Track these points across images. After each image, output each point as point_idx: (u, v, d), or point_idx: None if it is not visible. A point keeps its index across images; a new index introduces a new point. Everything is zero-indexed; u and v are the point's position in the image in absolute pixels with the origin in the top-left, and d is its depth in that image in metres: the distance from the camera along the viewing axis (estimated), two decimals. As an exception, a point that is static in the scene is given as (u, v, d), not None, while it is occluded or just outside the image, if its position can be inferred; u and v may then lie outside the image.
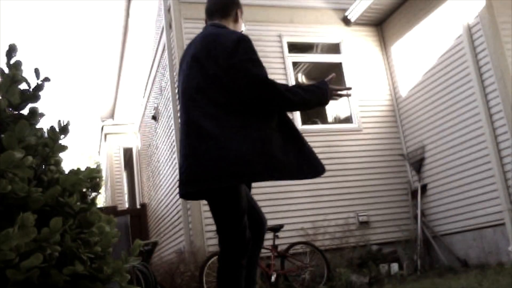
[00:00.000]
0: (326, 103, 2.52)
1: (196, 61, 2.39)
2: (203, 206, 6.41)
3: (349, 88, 2.65)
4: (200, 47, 2.42)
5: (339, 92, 2.58)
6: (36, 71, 1.64)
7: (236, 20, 2.64)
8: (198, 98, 2.33)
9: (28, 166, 1.40)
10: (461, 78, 6.46)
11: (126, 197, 13.57)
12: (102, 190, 14.04)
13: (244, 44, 2.36)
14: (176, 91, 2.59)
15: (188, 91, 2.39)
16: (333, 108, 8.84)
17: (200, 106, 2.31)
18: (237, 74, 2.29)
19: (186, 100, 2.39)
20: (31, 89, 1.62)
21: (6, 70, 1.58)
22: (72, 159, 26.64)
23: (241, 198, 2.31)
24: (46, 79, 1.65)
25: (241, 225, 2.32)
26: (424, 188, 7.18)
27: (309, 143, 2.44)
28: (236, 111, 2.29)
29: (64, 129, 1.63)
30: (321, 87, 2.49)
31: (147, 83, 9.73)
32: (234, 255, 2.31)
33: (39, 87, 1.63)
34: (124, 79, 13.70)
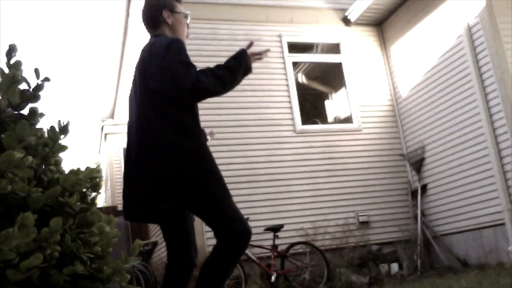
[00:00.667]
0: (250, 70, 2.40)
1: (142, 75, 2.36)
2: (203, 206, 6.40)
3: (267, 50, 2.51)
4: (142, 58, 2.40)
5: (259, 56, 2.46)
6: (36, 71, 1.64)
7: (169, 24, 2.55)
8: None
9: (28, 166, 1.40)
10: (461, 78, 6.46)
11: (126, 197, 13.55)
12: (102, 190, 14.04)
13: (174, 45, 2.29)
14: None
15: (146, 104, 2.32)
16: (333, 108, 8.84)
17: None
18: (168, 77, 2.23)
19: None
20: (31, 89, 1.62)
21: (6, 70, 1.58)
22: (72, 159, 26.63)
23: None
24: (46, 79, 1.65)
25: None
26: (424, 188, 7.18)
27: None
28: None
29: (64, 129, 1.63)
30: (243, 57, 2.36)
31: (147, 83, 9.72)
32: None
33: (39, 87, 1.63)
34: (124, 79, 13.69)
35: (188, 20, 2.62)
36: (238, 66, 2.32)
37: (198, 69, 2.26)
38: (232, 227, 2.22)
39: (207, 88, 2.20)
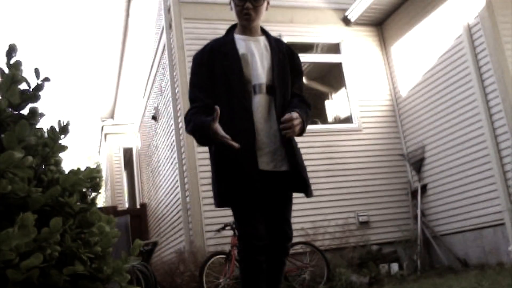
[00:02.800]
0: (205, 143, 2.38)
1: None
2: (203, 206, 6.41)
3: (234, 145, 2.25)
4: None
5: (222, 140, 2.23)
6: (36, 71, 1.64)
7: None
8: None
9: (28, 166, 1.40)
10: (461, 78, 6.46)
11: (126, 197, 13.57)
12: (102, 190, 14.05)
13: None
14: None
15: None
16: (333, 108, 8.84)
17: None
18: None
19: None
20: (31, 89, 1.62)
21: (6, 70, 1.58)
22: (72, 159, 26.64)
23: None
24: (46, 79, 1.65)
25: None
26: (424, 188, 7.18)
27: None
28: None
29: (64, 129, 1.63)
30: (203, 127, 2.26)
31: (147, 83, 9.73)
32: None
33: (39, 87, 1.63)
34: (124, 79, 13.70)
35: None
36: (197, 129, 2.31)
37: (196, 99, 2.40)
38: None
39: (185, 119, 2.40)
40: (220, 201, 2.39)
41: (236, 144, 2.18)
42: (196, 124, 2.30)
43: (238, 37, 2.50)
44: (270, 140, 2.38)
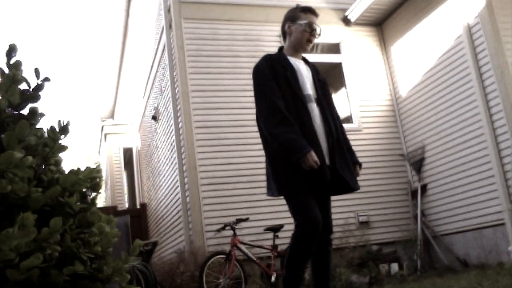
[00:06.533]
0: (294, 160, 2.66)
1: None
2: (203, 206, 6.41)
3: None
4: None
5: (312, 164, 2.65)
6: (36, 71, 1.64)
7: (289, 34, 3.06)
8: None
9: (28, 166, 1.40)
10: (461, 78, 6.47)
11: (126, 197, 13.57)
12: (102, 190, 14.04)
13: (253, 76, 2.87)
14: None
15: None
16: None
17: None
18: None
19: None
20: (31, 89, 1.62)
21: (6, 70, 1.58)
22: (72, 159, 26.64)
23: None
24: (46, 79, 1.65)
25: None
26: (424, 188, 7.18)
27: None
28: None
29: (64, 129, 1.63)
30: (301, 151, 2.63)
31: (147, 83, 9.73)
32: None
33: (39, 87, 1.63)
34: (124, 79, 13.70)
35: (313, 29, 3.11)
36: (290, 147, 2.66)
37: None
38: (294, 219, 2.83)
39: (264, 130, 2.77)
40: (289, 189, 2.81)
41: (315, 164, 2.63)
42: (294, 146, 2.63)
43: (288, 57, 2.97)
44: (321, 139, 2.82)
